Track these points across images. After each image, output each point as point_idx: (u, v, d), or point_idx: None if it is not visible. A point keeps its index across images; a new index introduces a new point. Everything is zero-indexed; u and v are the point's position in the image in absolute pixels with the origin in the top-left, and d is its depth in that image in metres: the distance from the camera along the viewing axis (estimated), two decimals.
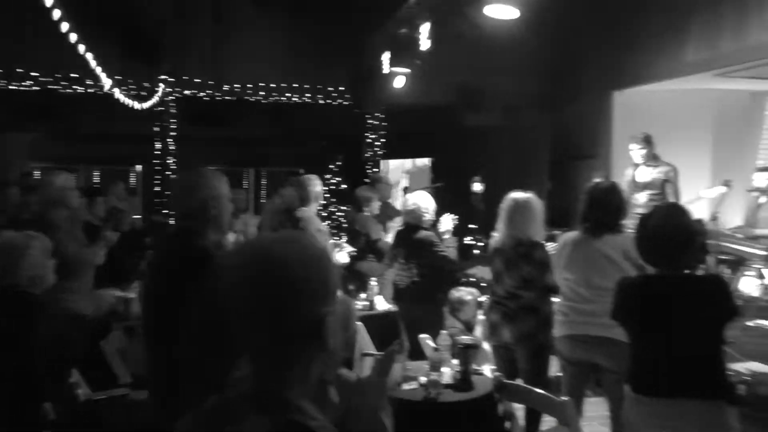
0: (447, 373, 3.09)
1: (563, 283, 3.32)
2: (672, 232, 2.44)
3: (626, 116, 8.12)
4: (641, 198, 5.61)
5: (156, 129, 8.04)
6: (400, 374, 3.06)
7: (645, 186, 5.71)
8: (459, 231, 6.38)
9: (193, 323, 1.77)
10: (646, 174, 5.75)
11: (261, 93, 8.12)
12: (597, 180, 3.42)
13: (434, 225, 4.64)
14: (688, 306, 2.38)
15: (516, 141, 9.03)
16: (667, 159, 6.12)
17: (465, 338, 3.08)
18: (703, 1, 6.77)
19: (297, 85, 8.20)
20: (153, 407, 2.28)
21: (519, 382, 3.55)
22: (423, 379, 3.02)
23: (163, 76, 7.72)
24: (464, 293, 5.26)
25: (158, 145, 8.07)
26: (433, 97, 8.26)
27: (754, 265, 6.17)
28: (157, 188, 8.17)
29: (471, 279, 6.37)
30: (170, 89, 7.85)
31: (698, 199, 6.20)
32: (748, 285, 6.47)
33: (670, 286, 2.43)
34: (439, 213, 5.03)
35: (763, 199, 6.01)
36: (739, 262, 5.86)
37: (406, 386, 3.02)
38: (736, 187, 6.15)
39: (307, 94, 8.31)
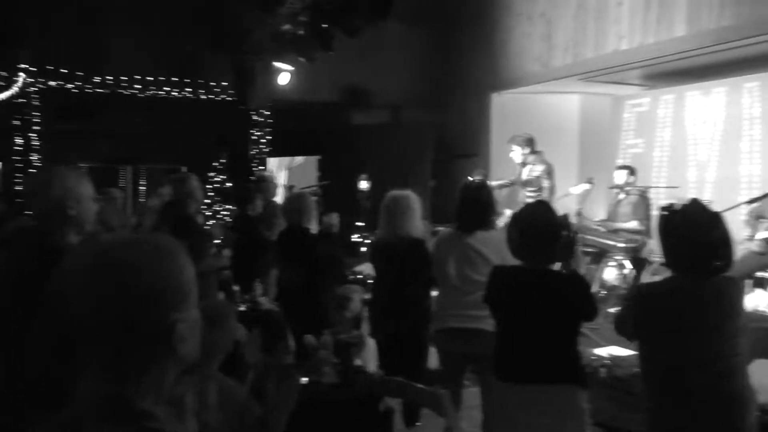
0: (329, 372, 3.09)
1: (440, 277, 3.43)
2: (538, 227, 2.58)
3: (503, 117, 8.54)
4: (522, 196, 5.89)
5: (16, 122, 7.41)
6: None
7: (525, 184, 5.95)
8: (346, 229, 6.42)
9: (36, 330, 1.65)
10: (526, 173, 6.02)
11: (137, 86, 7.72)
12: (469, 179, 3.57)
13: (320, 223, 4.62)
14: (547, 300, 2.52)
15: (401, 140, 9.21)
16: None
17: (346, 336, 3.09)
18: (568, 11, 7.26)
19: (177, 79, 7.88)
20: None
21: (400, 377, 3.65)
22: (304, 380, 3.00)
23: (23, 65, 7.12)
24: (349, 290, 5.31)
25: (20, 141, 7.45)
26: (319, 95, 8.26)
27: (615, 257, 6.70)
28: (18, 187, 7.55)
29: (358, 276, 6.43)
30: (32, 79, 7.26)
31: (566, 195, 6.64)
32: (610, 275, 7.01)
33: (533, 278, 2.57)
34: (325, 211, 5.01)
35: (622, 196, 6.53)
36: (601, 254, 6.34)
37: None
38: (599, 184, 6.65)
39: (187, 89, 8.01)
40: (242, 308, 4.78)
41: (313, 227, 4.61)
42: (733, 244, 2.38)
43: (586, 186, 6.23)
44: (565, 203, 6.27)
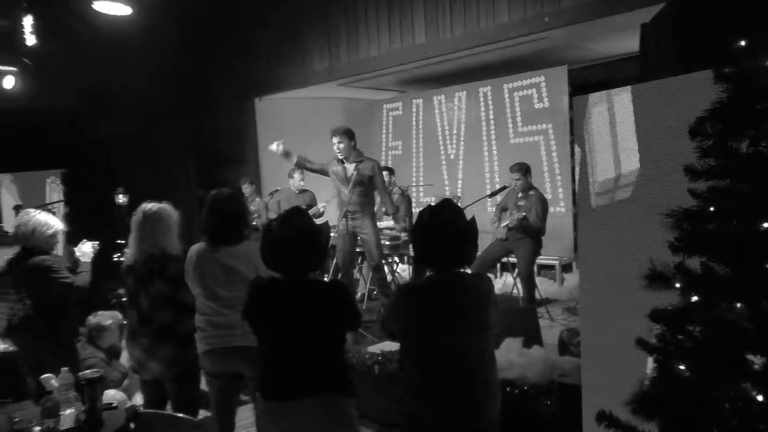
0: (69, 415, 2.68)
1: (196, 297, 3.18)
2: (293, 237, 2.45)
3: (268, 121, 8.45)
4: (353, 195, 5.32)
5: None
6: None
7: (355, 183, 5.32)
8: (104, 249, 5.76)
9: None
10: (351, 170, 5.36)
11: None
12: (219, 189, 3.32)
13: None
14: (308, 312, 2.42)
15: (156, 149, 8.61)
16: None
17: (88, 372, 2.70)
18: (319, 15, 7.41)
19: None
20: None
21: (170, 406, 3.33)
22: (37, 429, 2.56)
23: None
24: (103, 317, 4.75)
25: None
26: (53, 102, 7.29)
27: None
28: None
29: (122, 300, 5.82)
30: None
31: (328, 202, 6.81)
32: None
33: (292, 290, 2.46)
34: (77, 234, 4.37)
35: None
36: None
37: None
38: None
39: None
40: None
41: (56, 249, 4.01)
42: (476, 236, 2.53)
43: None
44: (333, 205, 6.38)
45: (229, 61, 8.53)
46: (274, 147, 5.50)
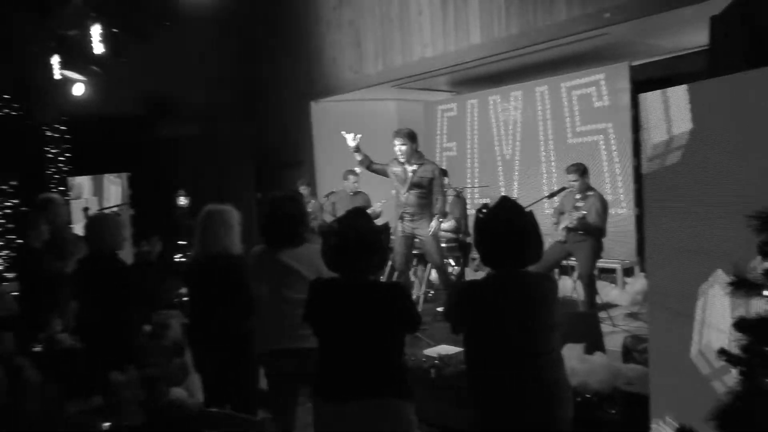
0: (135, 412, 2.75)
1: (258, 298, 3.22)
2: (354, 240, 2.43)
3: (323, 124, 8.54)
4: (410, 197, 5.37)
5: None
6: None
7: (413, 185, 5.37)
8: (166, 249, 5.95)
9: None
10: (411, 173, 5.39)
11: None
12: (279, 192, 3.35)
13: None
14: (367, 313, 2.41)
15: (217, 151, 8.83)
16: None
17: (153, 370, 2.77)
18: (375, 21, 7.44)
19: None
20: None
21: (228, 405, 3.38)
22: (106, 425, 2.65)
23: None
24: (166, 316, 4.88)
25: None
26: (121, 107, 7.58)
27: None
28: None
29: (184, 299, 5.99)
30: None
31: (392, 198, 6.75)
32: (436, 275, 7.26)
33: (352, 291, 2.45)
34: (141, 235, 4.51)
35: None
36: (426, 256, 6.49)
37: None
38: None
39: None
40: (37, 348, 4.20)
41: (122, 251, 4.15)
42: (542, 236, 2.47)
43: None
44: (388, 206, 6.38)
45: (288, 64, 8.66)
46: (350, 138, 5.46)
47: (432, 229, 5.47)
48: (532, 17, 5.83)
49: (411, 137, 5.38)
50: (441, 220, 5.61)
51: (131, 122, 8.00)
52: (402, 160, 5.40)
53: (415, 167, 5.37)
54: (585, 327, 4.46)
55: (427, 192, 5.43)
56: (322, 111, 8.63)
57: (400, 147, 5.35)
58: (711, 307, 2.55)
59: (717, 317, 2.50)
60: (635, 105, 6.56)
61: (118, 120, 7.82)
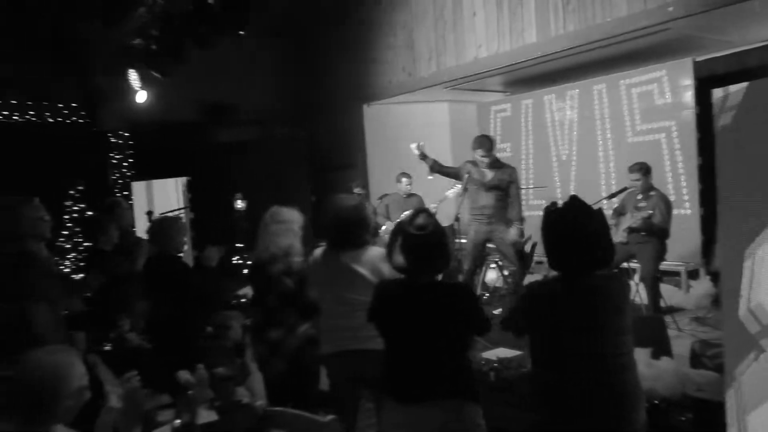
0: (204, 411, 2.82)
1: (319, 299, 3.25)
2: (420, 239, 2.42)
3: (376, 127, 8.58)
4: (488, 199, 5.58)
5: None
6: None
7: (491, 188, 5.60)
8: (225, 252, 6.10)
9: None
10: (491, 176, 5.63)
11: None
12: (341, 195, 3.37)
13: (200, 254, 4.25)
14: (435, 315, 2.39)
15: (272, 155, 8.98)
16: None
17: (224, 368, 2.83)
18: (428, 21, 7.42)
19: (16, 102, 7.09)
20: None
21: (290, 405, 3.43)
22: (177, 422, 2.71)
23: None
24: (228, 316, 4.99)
25: None
26: (181, 113, 7.81)
27: (495, 259, 6.88)
28: None
29: (241, 300, 6.12)
30: None
31: (444, 199, 6.72)
32: (491, 277, 7.20)
33: (419, 293, 2.43)
34: (200, 240, 4.62)
35: None
36: (482, 257, 6.46)
37: None
38: None
39: (31, 112, 7.24)
40: (107, 347, 4.35)
41: (183, 253, 4.27)
42: (608, 233, 2.40)
43: (459, 189, 6.31)
44: (442, 208, 6.35)
45: (340, 67, 8.74)
46: (414, 147, 5.78)
47: (512, 237, 5.54)
48: (590, 14, 5.70)
49: (490, 146, 5.61)
50: (521, 227, 5.67)
51: (190, 128, 8.22)
52: (484, 168, 5.62)
53: (494, 171, 5.57)
54: (650, 331, 4.32)
55: (504, 195, 5.60)
56: (374, 114, 8.67)
57: (482, 159, 5.58)
58: (760, 265, 2.54)
59: (766, 276, 2.49)
60: (699, 102, 6.34)
61: (177, 126, 8.04)
